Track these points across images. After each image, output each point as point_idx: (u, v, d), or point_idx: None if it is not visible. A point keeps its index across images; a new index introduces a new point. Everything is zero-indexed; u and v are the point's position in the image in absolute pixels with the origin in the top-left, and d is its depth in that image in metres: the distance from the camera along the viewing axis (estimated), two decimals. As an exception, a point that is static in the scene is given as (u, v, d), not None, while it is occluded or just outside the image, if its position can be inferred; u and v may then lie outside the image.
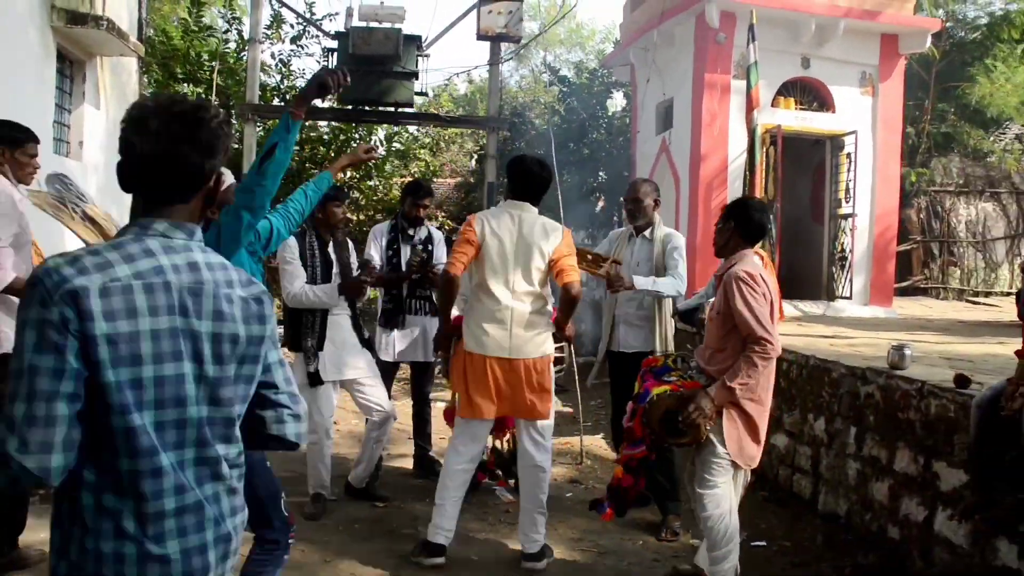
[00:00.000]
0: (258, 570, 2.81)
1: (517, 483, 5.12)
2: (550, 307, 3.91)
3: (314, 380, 4.43)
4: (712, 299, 4.75)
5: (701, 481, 3.50)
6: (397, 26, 10.27)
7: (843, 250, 9.15)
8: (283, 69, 13.66)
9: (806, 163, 9.94)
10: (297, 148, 13.30)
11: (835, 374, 4.76)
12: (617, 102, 14.97)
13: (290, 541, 2.90)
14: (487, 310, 3.72)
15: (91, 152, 7.53)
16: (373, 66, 10.26)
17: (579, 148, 12.67)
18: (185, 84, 13.49)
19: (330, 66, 10.60)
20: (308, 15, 12.80)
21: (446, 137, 16.22)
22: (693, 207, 9.00)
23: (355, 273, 4.61)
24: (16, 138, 3.59)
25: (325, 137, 14.01)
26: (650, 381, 3.63)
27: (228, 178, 2.76)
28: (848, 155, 8.97)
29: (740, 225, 3.52)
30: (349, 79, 2.92)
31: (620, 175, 11.98)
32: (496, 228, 3.72)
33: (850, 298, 9.09)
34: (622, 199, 4.75)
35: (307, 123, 12.96)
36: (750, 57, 7.51)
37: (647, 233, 4.67)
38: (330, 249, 4.57)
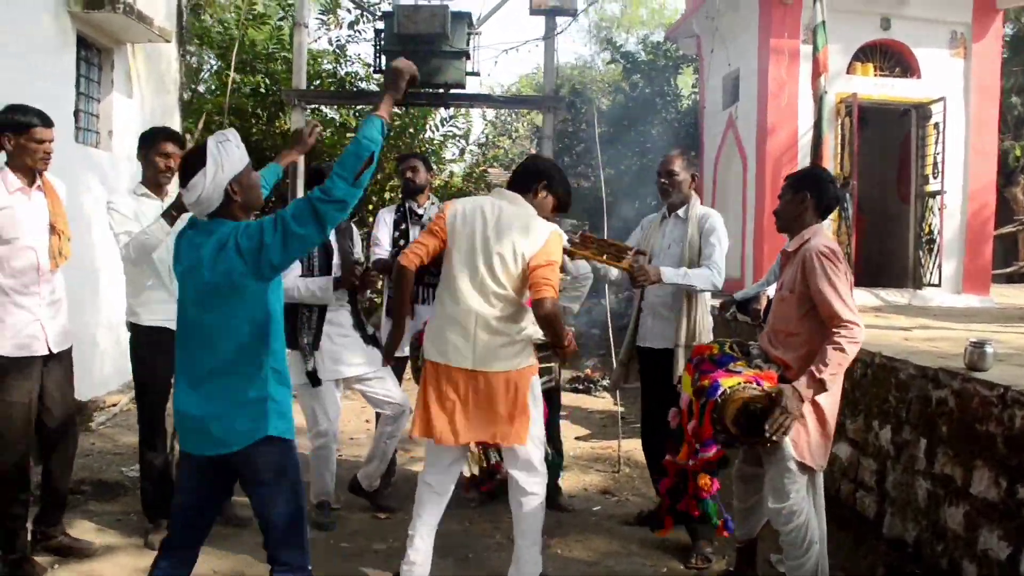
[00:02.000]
0: None
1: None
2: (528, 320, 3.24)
3: (314, 380, 4.04)
4: (772, 285, 4.16)
5: (774, 494, 3.07)
6: (444, 3, 9.85)
7: (930, 232, 8.21)
8: (339, 55, 13.39)
9: (891, 136, 9.00)
10: (352, 135, 13.05)
11: (903, 375, 4.04)
12: (688, 79, 14.17)
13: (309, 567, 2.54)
14: (449, 312, 3.14)
15: (123, 142, 7.34)
16: (420, 46, 9.85)
17: (645, 129, 11.96)
18: (241, 73, 13.45)
19: (379, 46, 10.28)
20: (356, -3, 12.42)
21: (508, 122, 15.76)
22: (760, 186, 8.23)
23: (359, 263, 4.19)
24: (20, 123, 3.35)
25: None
26: (717, 372, 3.12)
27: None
28: (936, 125, 8.03)
29: (816, 196, 3.16)
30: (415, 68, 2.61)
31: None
32: (469, 217, 3.14)
33: (939, 285, 8.15)
34: (657, 174, 4.15)
35: (357, 108, 12.70)
36: (817, 16, 6.70)
37: (680, 212, 4.07)
38: (332, 237, 4.16)
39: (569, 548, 3.97)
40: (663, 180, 4.07)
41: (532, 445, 3.19)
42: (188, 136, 10.73)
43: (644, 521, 4.26)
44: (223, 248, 2.32)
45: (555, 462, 4.50)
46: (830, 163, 7.73)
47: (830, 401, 3.04)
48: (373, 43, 10.49)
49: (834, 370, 2.88)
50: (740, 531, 3.50)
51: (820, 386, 2.89)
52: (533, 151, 15.18)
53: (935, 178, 8.14)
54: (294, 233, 2.26)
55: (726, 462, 3.37)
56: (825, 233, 3.15)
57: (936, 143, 8.06)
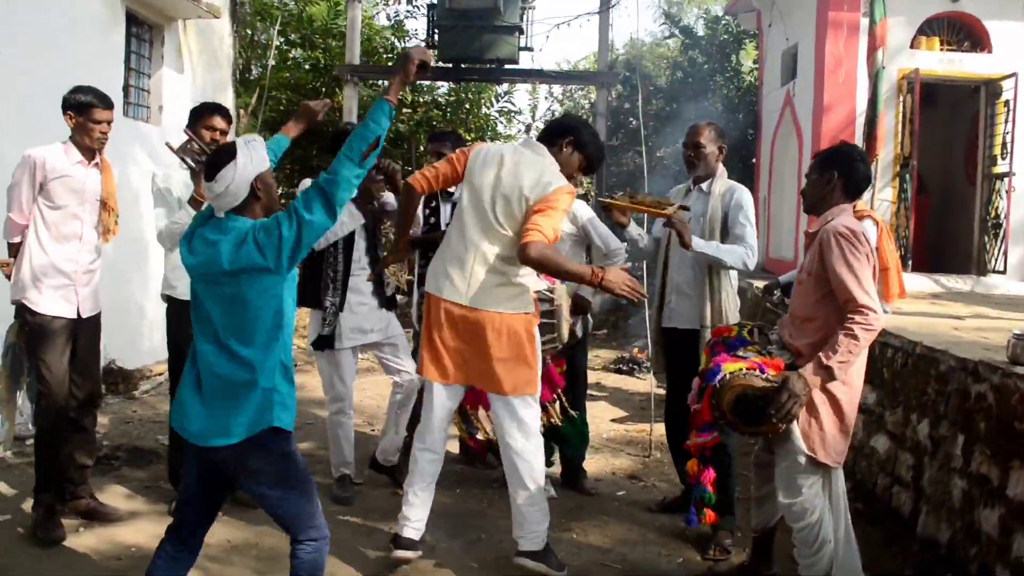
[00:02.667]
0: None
1: (560, 474, 4.59)
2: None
3: (324, 343, 4.06)
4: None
5: (785, 489, 2.95)
6: (494, -24, 9.71)
7: (997, 216, 7.79)
8: (398, 30, 13.37)
9: (959, 114, 8.56)
10: (409, 111, 13.07)
11: (943, 367, 3.83)
12: (751, 55, 13.73)
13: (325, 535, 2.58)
14: (452, 246, 3.15)
15: (173, 117, 7.47)
16: (472, 21, 9.77)
17: (705, 107, 11.64)
18: (300, 48, 13.59)
19: (432, 20, 10.20)
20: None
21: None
22: (814, 167, 7.92)
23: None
24: (81, 102, 3.59)
25: (439, 100, 13.68)
26: (722, 355, 3.01)
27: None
28: (1006, 103, 7.57)
29: (844, 176, 2.98)
30: (430, 55, 2.75)
31: (744, 136, 10.88)
32: (490, 158, 3.13)
33: (1004, 272, 7.73)
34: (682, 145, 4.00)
35: (417, 84, 12.69)
36: (876, -14, 6.37)
37: (704, 186, 3.92)
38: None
39: (585, 533, 3.90)
40: (689, 152, 3.93)
41: (529, 401, 3.14)
42: (243, 111, 10.92)
43: (666, 508, 4.17)
44: (243, 243, 2.33)
45: (576, 443, 4.42)
46: (888, 142, 7.39)
47: (848, 393, 2.87)
48: (426, 18, 10.55)
49: (843, 358, 2.71)
50: (756, 520, 3.38)
51: (828, 373, 2.73)
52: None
53: (1003, 159, 7.69)
54: (306, 220, 2.31)
55: (723, 449, 3.24)
56: (850, 214, 2.96)
57: (1006, 122, 7.61)
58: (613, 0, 10.24)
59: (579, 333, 4.35)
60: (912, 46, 7.62)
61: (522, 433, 3.17)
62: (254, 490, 2.51)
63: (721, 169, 3.94)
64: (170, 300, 4.03)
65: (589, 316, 4.48)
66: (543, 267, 2.94)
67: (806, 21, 8.18)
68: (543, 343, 3.26)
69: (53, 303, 3.63)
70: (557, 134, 3.24)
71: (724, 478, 3.82)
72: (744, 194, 3.84)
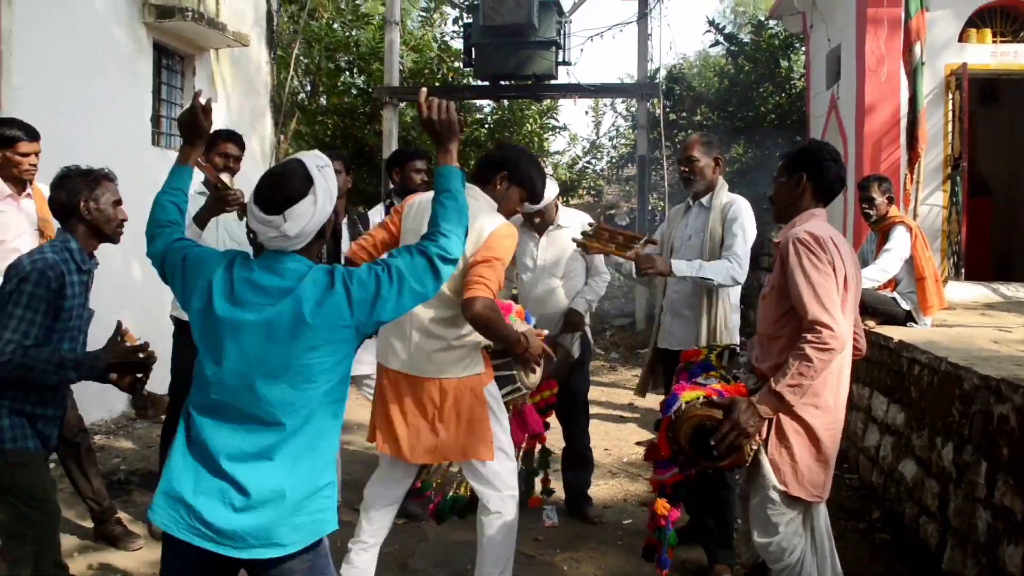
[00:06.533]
0: None
1: (564, 502, 4.39)
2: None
3: None
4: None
5: (760, 527, 2.67)
6: (531, -9, 9.59)
7: (1061, 219, 7.24)
8: (443, 50, 13.38)
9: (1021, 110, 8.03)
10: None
11: (966, 385, 3.49)
12: (800, 59, 13.27)
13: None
14: None
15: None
16: (508, 37, 9.68)
17: (753, 114, 11.27)
18: (347, 73, 13.76)
19: (468, 39, 10.10)
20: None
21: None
22: (859, 170, 7.51)
23: None
24: (5, 136, 3.59)
25: (480, 117, 13.64)
26: (682, 383, 2.79)
27: None
28: (1068, 97, 7.05)
29: (813, 179, 2.70)
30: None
31: (792, 143, 10.46)
32: (421, 211, 2.85)
33: (1072, 280, 7.17)
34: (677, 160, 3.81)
35: (462, 101, 12.63)
36: (909, -23, 6.01)
37: (704, 200, 3.71)
38: (344, 225, 4.14)
39: (578, 564, 3.70)
40: (683, 167, 3.73)
41: (496, 458, 2.91)
42: (282, 137, 11.07)
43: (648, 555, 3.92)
44: (332, 292, 1.89)
45: (576, 472, 4.22)
46: (937, 143, 6.96)
47: (823, 418, 2.57)
48: (462, 36, 10.51)
49: (794, 381, 2.42)
50: (746, 555, 3.12)
51: (778, 400, 2.45)
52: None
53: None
54: (413, 290, 1.96)
55: (683, 487, 2.98)
56: (819, 220, 2.67)
57: (1069, 117, 7.08)
58: (648, 9, 10.01)
59: (575, 353, 4.16)
60: (960, 39, 7.16)
61: (493, 490, 2.94)
62: None
63: (721, 182, 3.73)
64: (178, 322, 4.02)
65: (588, 334, 4.28)
66: (485, 325, 2.70)
67: (847, 20, 7.81)
68: (505, 395, 3.00)
69: None
70: (489, 171, 2.97)
71: (724, 511, 3.58)
72: (743, 208, 3.62)
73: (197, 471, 1.90)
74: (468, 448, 2.84)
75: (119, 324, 2.64)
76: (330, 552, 2.04)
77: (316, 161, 1.94)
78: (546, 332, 3.23)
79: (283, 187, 1.88)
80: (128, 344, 2.60)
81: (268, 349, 1.87)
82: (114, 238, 2.77)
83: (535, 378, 3.10)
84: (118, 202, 2.76)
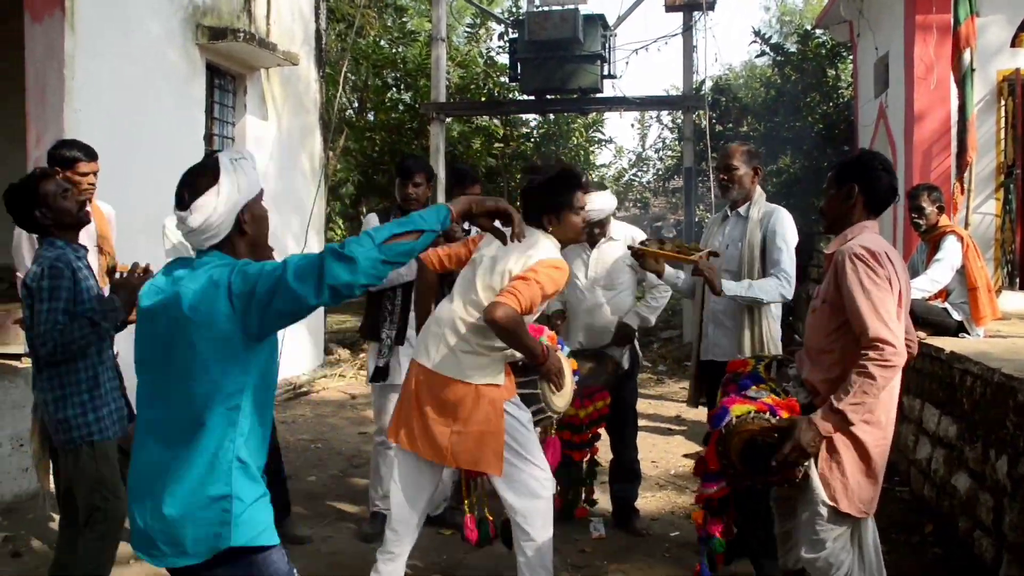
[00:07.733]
0: None
1: (611, 513, 4.39)
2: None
3: (378, 375, 4.06)
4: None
5: (808, 543, 2.63)
6: (573, 7, 9.66)
7: None
8: (490, 66, 13.51)
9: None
10: (501, 145, 13.15)
11: (1021, 397, 3.43)
12: (848, 68, 13.11)
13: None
14: (438, 313, 3.06)
15: (258, 162, 7.78)
16: (553, 51, 9.75)
17: (801, 125, 11.14)
18: (395, 89, 13.97)
19: (514, 54, 10.16)
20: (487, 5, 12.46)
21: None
22: (908, 179, 7.38)
23: None
24: (65, 157, 3.75)
25: (526, 131, 13.73)
26: (731, 396, 2.77)
27: None
28: None
29: (865, 190, 2.66)
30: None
31: (840, 153, 10.33)
32: (490, 239, 3.03)
33: None
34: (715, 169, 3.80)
35: (507, 118, 12.76)
36: (958, -18, 5.91)
37: (742, 210, 3.69)
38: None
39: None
40: (722, 175, 3.72)
41: (517, 472, 2.95)
42: (331, 153, 11.29)
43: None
44: (214, 286, 1.82)
45: (623, 484, 4.23)
46: (990, 150, 6.82)
47: (875, 435, 2.54)
48: (507, 51, 10.61)
49: (857, 399, 2.40)
50: (783, 559, 3.09)
51: (840, 419, 2.43)
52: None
53: None
54: (287, 286, 1.76)
55: (727, 503, 2.95)
56: (873, 233, 2.64)
57: None
58: (693, 21, 10.01)
59: (625, 365, 4.17)
60: (1013, 45, 7.01)
61: (516, 496, 2.99)
62: None
63: (759, 192, 3.71)
64: None
65: (637, 347, 4.29)
66: (504, 331, 2.73)
67: (895, 28, 7.71)
68: (533, 415, 3.04)
69: None
70: (535, 215, 3.02)
71: (770, 523, 3.54)
72: (783, 216, 3.60)
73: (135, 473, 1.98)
74: (480, 459, 2.88)
75: (111, 269, 3.23)
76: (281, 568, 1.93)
77: (232, 156, 1.96)
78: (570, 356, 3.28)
79: (191, 182, 1.91)
80: (123, 274, 3.08)
81: (154, 340, 1.90)
82: (83, 221, 3.05)
83: (562, 403, 3.13)
84: (65, 191, 2.99)
